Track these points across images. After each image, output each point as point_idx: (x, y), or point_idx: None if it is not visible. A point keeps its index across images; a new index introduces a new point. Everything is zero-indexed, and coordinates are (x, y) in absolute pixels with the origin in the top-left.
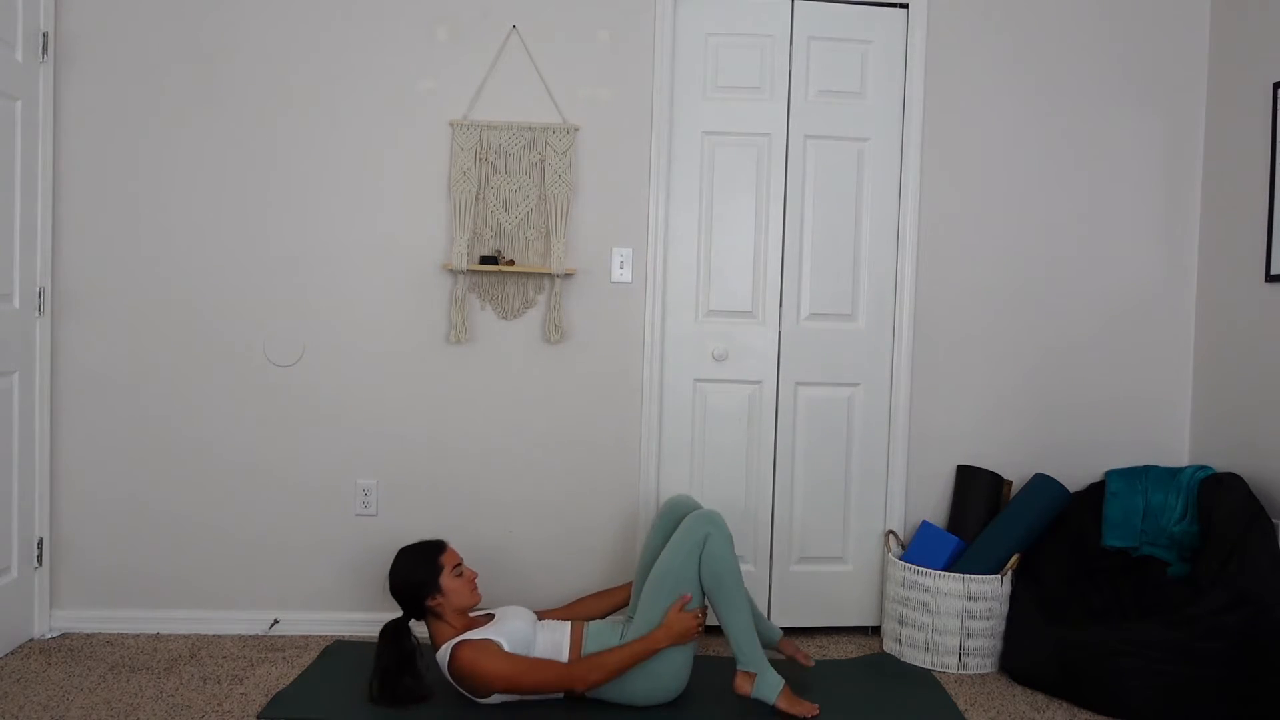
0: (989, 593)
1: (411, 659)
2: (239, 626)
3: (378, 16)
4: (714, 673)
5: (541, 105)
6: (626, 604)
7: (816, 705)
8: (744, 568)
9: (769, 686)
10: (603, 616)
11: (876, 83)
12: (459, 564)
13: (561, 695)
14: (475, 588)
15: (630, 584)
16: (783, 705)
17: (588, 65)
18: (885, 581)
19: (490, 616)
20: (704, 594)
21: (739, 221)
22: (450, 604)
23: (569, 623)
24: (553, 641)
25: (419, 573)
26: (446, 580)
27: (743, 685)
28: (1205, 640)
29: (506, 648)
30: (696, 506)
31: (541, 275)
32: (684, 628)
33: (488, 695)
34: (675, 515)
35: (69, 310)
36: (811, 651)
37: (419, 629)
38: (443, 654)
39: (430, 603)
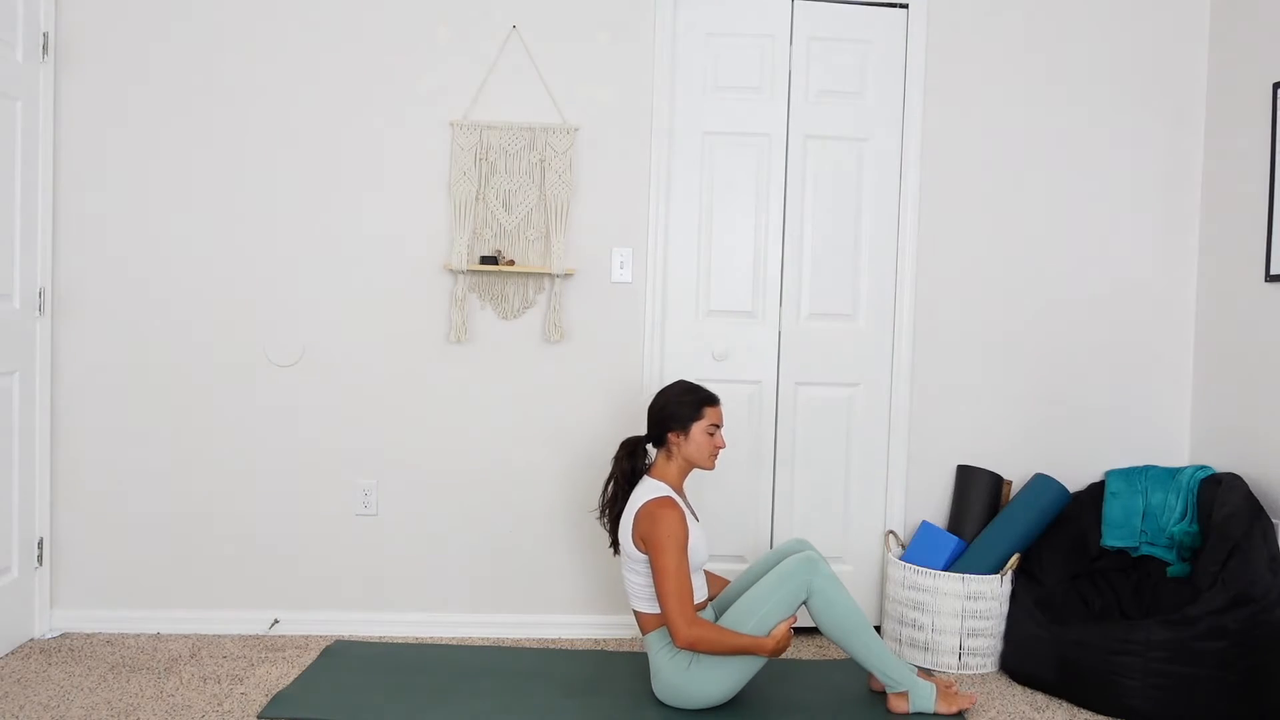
0: (989, 593)
1: (636, 478)
2: (239, 626)
3: (378, 17)
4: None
5: (541, 105)
6: (712, 597)
7: (973, 694)
8: (743, 566)
9: (924, 697)
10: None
11: (876, 83)
12: (718, 426)
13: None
14: (715, 457)
15: (724, 581)
16: (943, 709)
17: (588, 65)
18: (885, 581)
19: (696, 519)
20: (829, 637)
21: (739, 221)
22: (685, 451)
23: (707, 591)
24: (697, 586)
25: (682, 407)
26: (698, 429)
27: (898, 705)
28: (1205, 640)
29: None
30: (808, 548)
31: (541, 275)
32: (785, 645)
33: (641, 551)
34: (787, 550)
35: (69, 310)
36: (811, 652)
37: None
38: (656, 486)
39: (672, 436)
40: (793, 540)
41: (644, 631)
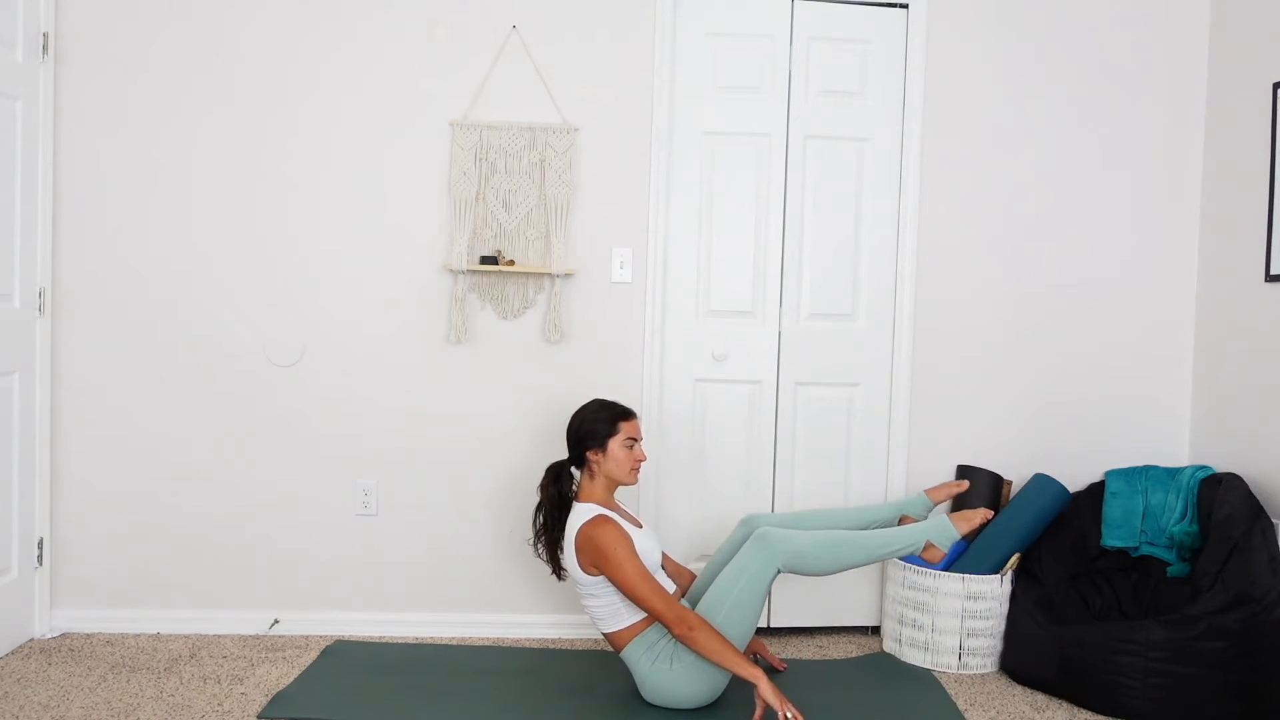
0: (989, 592)
1: (566, 504)
2: (239, 626)
3: (378, 16)
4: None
5: (541, 105)
6: (683, 591)
7: (986, 510)
8: None
9: (947, 535)
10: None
11: (876, 83)
12: (635, 440)
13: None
14: (636, 470)
15: (693, 575)
16: (964, 529)
17: (588, 65)
18: (885, 581)
19: (639, 525)
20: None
21: (739, 221)
22: (605, 468)
23: (676, 586)
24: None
25: (598, 424)
26: (615, 444)
27: (933, 555)
28: (1205, 640)
29: None
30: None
31: (541, 275)
32: (777, 700)
33: (595, 575)
34: (748, 529)
35: (69, 310)
36: (811, 652)
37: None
38: (585, 510)
39: (590, 455)
40: (742, 521)
41: (618, 649)
